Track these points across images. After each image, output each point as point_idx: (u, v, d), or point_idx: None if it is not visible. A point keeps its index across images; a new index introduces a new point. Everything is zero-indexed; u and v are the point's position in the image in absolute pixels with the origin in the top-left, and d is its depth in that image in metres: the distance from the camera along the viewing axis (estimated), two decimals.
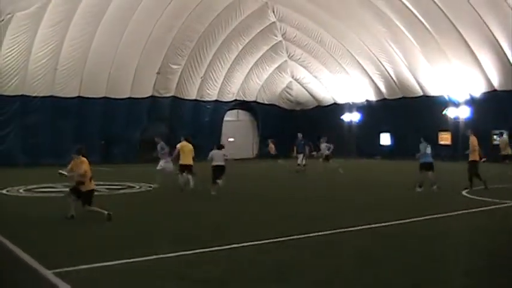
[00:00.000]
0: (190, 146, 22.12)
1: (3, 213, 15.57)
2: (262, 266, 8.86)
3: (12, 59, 39.68)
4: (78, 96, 43.86)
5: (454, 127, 42.52)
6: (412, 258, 9.28)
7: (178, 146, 22.09)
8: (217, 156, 21.16)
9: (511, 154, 29.21)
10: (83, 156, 14.80)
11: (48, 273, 8.29)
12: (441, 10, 35.54)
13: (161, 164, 23.21)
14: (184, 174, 21.78)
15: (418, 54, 40.58)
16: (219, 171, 20.73)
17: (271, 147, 35.78)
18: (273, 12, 46.48)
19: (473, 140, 21.04)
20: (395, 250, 10.06)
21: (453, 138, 42.46)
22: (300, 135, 31.57)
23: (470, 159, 20.83)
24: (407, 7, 36.75)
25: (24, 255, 9.58)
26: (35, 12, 37.71)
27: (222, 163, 21.02)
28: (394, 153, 44.02)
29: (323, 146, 32.27)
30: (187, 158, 21.77)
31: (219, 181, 20.51)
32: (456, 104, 42.30)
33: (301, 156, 31.37)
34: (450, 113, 42.64)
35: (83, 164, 14.44)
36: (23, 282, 8.19)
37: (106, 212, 13.81)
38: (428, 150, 20.77)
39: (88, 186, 14.33)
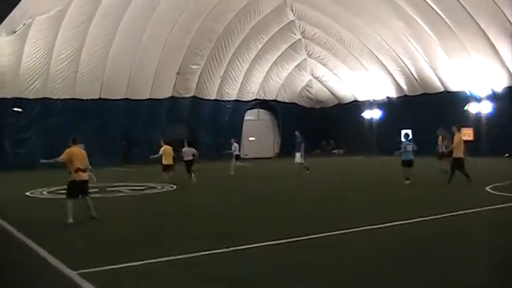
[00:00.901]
0: (170, 148, 25.10)
1: (27, 215, 15.69)
2: (285, 266, 8.84)
3: (33, 63, 40.08)
4: (99, 98, 44.18)
5: (476, 123, 42.19)
6: (425, 259, 9.19)
7: (161, 150, 25.17)
8: (186, 153, 25.85)
9: None
10: (74, 145, 14.66)
11: (73, 274, 8.34)
12: (459, 3, 35.22)
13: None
14: (165, 172, 24.84)
15: (438, 49, 40.23)
16: (187, 165, 25.46)
17: (236, 146, 35.32)
18: (292, 10, 46.37)
19: (457, 137, 20.95)
20: (412, 249, 9.97)
21: (475, 134, 42.11)
22: (297, 133, 30.67)
23: (454, 156, 20.64)
24: (425, 1, 36.46)
25: (49, 256, 9.65)
26: (56, 15, 38.00)
27: (190, 158, 25.65)
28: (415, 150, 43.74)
29: (234, 146, 32.17)
30: (168, 159, 24.81)
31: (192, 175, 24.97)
32: (478, 100, 41.95)
33: (298, 154, 30.07)
34: (472, 108, 42.29)
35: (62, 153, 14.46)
36: (47, 283, 8.23)
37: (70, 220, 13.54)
38: (409, 148, 22.34)
39: (70, 177, 14.27)
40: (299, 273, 8.31)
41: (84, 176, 14.33)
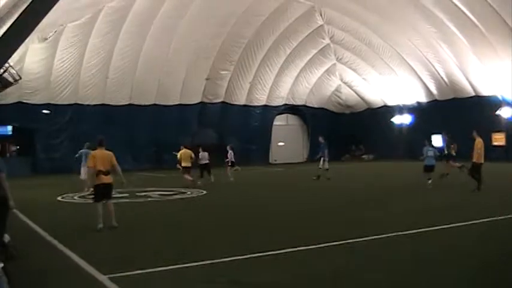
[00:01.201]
0: (189, 151, 26.94)
1: (58, 219, 15.87)
2: (315, 270, 8.81)
3: (64, 69, 40.78)
4: (129, 104, 44.60)
5: (508, 128, 41.68)
6: (469, 262, 9.10)
7: (179, 153, 27.25)
8: (202, 157, 28.08)
9: None
10: (99, 147, 14.39)
11: (104, 279, 8.42)
12: (491, 7, 34.79)
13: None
14: (185, 175, 26.56)
15: (469, 53, 39.74)
16: (202, 168, 27.72)
17: (231, 153, 35.21)
18: (320, 15, 46.25)
19: (478, 142, 20.81)
20: (454, 253, 9.86)
21: (507, 139, 41.62)
22: (321, 138, 30.54)
23: (474, 160, 20.53)
24: (456, 5, 36.03)
25: (80, 260, 9.76)
26: (86, 22, 38.54)
27: (206, 161, 28.01)
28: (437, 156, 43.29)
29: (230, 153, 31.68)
30: (186, 162, 26.68)
31: (187, 176, 26.47)
32: (510, 104, 41.44)
33: (321, 160, 29.90)
34: (504, 113, 41.79)
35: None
36: (78, 287, 8.32)
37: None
38: (431, 153, 23.16)
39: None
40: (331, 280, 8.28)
41: (106, 179, 13.89)
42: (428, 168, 22.85)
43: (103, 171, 13.82)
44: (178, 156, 27.16)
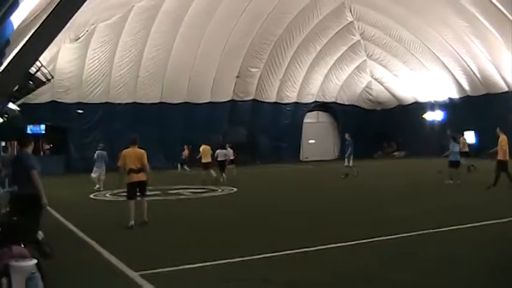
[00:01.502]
0: (208, 148, 28.30)
1: (90, 217, 16.04)
2: (347, 267, 8.78)
3: (96, 69, 41.22)
4: (160, 102, 44.88)
5: None
6: (499, 260, 8.99)
7: (201, 149, 28.65)
8: (220, 154, 29.17)
9: None
10: (132, 145, 14.63)
11: (135, 275, 8.49)
12: None
13: None
14: (205, 171, 27.89)
15: (502, 48, 39.19)
16: (220, 165, 28.83)
17: (186, 153, 35.42)
18: (350, 11, 46.04)
19: (502, 139, 20.60)
20: (483, 252, 9.75)
21: None
22: (347, 135, 30.31)
23: (499, 158, 20.25)
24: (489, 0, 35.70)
25: (111, 257, 9.86)
26: (116, 22, 38.89)
27: (223, 159, 29.15)
28: (479, 152, 42.80)
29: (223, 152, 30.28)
30: (207, 157, 28.00)
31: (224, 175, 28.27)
32: None
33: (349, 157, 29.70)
34: None
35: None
36: (109, 283, 8.40)
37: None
38: (456, 149, 23.21)
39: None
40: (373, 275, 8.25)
41: (137, 177, 14.04)
42: (454, 164, 22.94)
43: (134, 170, 13.98)
44: (200, 152, 28.54)
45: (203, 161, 28.04)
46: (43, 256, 7.51)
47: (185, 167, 38.28)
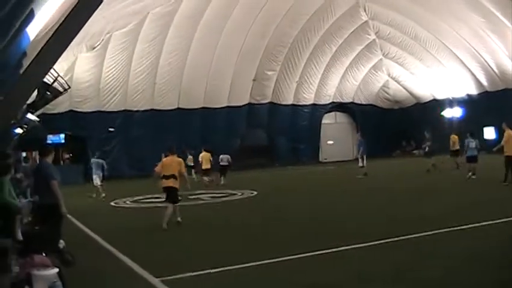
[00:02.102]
0: (208, 154, 28.98)
1: (111, 224, 16.13)
2: (373, 267, 8.75)
3: (113, 77, 41.47)
4: (178, 108, 45.03)
5: None
6: None
7: (200, 156, 29.64)
8: (223, 159, 30.20)
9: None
10: (170, 154, 15.70)
11: (157, 282, 8.53)
12: None
13: None
14: (205, 176, 28.84)
15: None
16: (222, 169, 30.05)
17: (190, 158, 35.26)
18: (365, 11, 45.93)
19: (507, 134, 20.56)
20: (506, 249, 9.68)
21: None
22: (358, 135, 30.22)
23: (506, 153, 20.15)
24: None
25: (132, 263, 9.92)
26: (132, 29, 39.08)
27: (226, 163, 30.13)
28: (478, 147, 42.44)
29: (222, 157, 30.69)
30: (206, 164, 28.90)
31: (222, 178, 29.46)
32: None
33: (360, 158, 29.52)
34: None
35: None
36: None
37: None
38: (472, 145, 24.01)
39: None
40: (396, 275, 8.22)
41: (166, 182, 14.87)
42: (471, 159, 23.68)
43: (165, 176, 14.98)
44: (200, 158, 29.66)
45: (203, 167, 29.13)
46: (64, 264, 7.59)
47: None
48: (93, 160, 27.87)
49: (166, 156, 15.91)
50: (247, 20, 42.28)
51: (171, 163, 15.15)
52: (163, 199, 15.46)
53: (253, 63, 46.80)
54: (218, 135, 45.74)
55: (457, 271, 8.16)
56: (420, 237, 10.92)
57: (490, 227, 11.60)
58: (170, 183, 14.89)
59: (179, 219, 14.89)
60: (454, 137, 31.57)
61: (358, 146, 31.32)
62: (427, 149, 32.22)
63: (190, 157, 34.98)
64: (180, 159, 15.67)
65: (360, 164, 29.43)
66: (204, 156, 29.23)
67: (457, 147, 30.77)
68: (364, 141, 30.91)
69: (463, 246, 9.93)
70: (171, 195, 14.96)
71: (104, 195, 25.66)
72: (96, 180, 26.55)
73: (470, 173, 23.12)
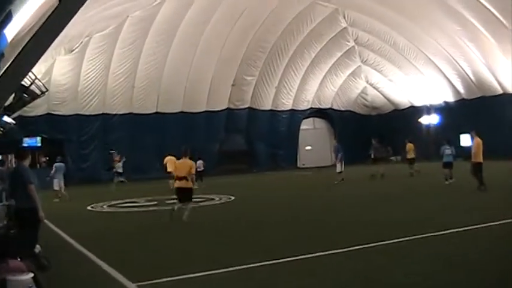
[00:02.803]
0: (174, 159, 25.87)
1: (88, 229, 15.99)
2: (347, 273, 8.75)
3: (91, 80, 41.30)
4: (156, 112, 44.88)
5: None
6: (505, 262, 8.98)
7: (165, 159, 29.59)
8: (198, 165, 29.16)
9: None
10: (184, 156, 16.99)
11: (133, 286, 8.48)
12: None
13: None
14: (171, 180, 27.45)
15: (496, 51, 39.30)
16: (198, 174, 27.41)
17: (116, 160, 35.80)
18: (344, 17, 46.18)
19: (475, 141, 21.07)
20: (485, 253, 9.73)
21: None
22: (335, 141, 30.25)
23: (473, 160, 20.68)
24: (481, 3, 35.72)
25: (109, 269, 9.83)
26: (111, 32, 38.94)
27: (202, 169, 30.58)
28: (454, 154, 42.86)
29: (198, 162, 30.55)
30: (171, 167, 26.70)
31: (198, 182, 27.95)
32: None
33: (338, 165, 29.50)
34: None
35: None
36: None
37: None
38: (448, 151, 24.69)
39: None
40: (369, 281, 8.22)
41: (179, 183, 16.41)
42: (447, 165, 24.38)
43: (178, 177, 16.53)
44: (167, 164, 29.09)
45: (168, 170, 28.12)
46: (40, 269, 7.50)
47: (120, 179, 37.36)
48: (56, 165, 27.68)
49: (178, 157, 17.90)
50: (226, 25, 42.31)
51: (184, 165, 16.43)
52: (175, 200, 16.97)
53: (233, 68, 46.84)
54: (197, 140, 45.62)
55: (433, 276, 8.18)
56: (396, 242, 10.96)
57: (466, 233, 11.67)
58: (183, 184, 16.22)
59: (185, 217, 16.01)
60: (409, 146, 32.57)
61: (335, 151, 31.56)
62: (372, 155, 33.78)
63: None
64: (192, 161, 16.85)
65: (338, 170, 29.49)
66: (169, 161, 28.76)
67: (412, 155, 31.91)
68: (341, 147, 31.09)
69: (439, 251, 9.98)
70: (185, 195, 16.34)
71: (57, 200, 26.32)
72: (59, 184, 27.06)
73: (449, 179, 23.86)
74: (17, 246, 7.30)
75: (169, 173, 27.35)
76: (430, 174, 29.64)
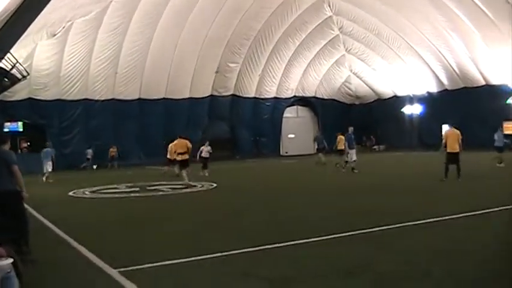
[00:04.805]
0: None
1: (69, 215, 15.89)
2: (328, 262, 8.73)
3: (74, 65, 40.89)
4: (139, 99, 44.67)
5: None
6: (484, 252, 9.00)
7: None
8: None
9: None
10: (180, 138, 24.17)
11: (114, 272, 8.40)
12: None
13: None
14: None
15: (479, 42, 39.54)
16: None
17: (113, 151, 37.35)
18: (329, 6, 46.17)
19: (445, 133, 22.16)
20: (466, 243, 9.77)
21: None
22: (351, 129, 29.41)
23: (447, 150, 21.05)
24: None
25: (90, 255, 9.76)
26: (94, 18, 38.56)
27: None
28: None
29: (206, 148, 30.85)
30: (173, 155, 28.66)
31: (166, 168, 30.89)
32: None
33: (353, 151, 27.94)
34: None
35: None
36: (89, 281, 8.31)
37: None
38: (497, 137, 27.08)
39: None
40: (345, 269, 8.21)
41: (180, 157, 23.60)
42: (498, 149, 27.06)
43: (180, 153, 23.52)
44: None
45: (169, 156, 29.83)
46: (20, 255, 7.41)
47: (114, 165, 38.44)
48: (45, 150, 30.44)
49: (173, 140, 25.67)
50: (211, 11, 42.13)
51: (182, 144, 23.43)
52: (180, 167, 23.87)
53: (216, 55, 46.67)
54: (180, 127, 45.53)
55: (415, 265, 8.20)
56: (378, 231, 10.97)
57: (450, 221, 11.73)
58: (183, 157, 23.32)
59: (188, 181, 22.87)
60: (340, 138, 32.35)
61: (317, 142, 32.09)
62: (317, 146, 36.60)
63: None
64: (187, 140, 23.49)
65: (353, 158, 28.31)
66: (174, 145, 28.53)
67: (342, 147, 31.26)
68: (323, 138, 31.42)
69: (422, 240, 10.01)
70: (186, 163, 23.33)
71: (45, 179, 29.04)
72: (46, 167, 29.83)
73: (501, 162, 25.97)
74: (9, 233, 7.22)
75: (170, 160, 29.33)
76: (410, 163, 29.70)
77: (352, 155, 27.86)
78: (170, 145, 29.49)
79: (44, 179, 29.13)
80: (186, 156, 23.19)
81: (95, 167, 38.33)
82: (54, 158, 30.89)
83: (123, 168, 37.66)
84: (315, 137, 37.54)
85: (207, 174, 28.50)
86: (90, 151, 35.53)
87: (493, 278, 7.49)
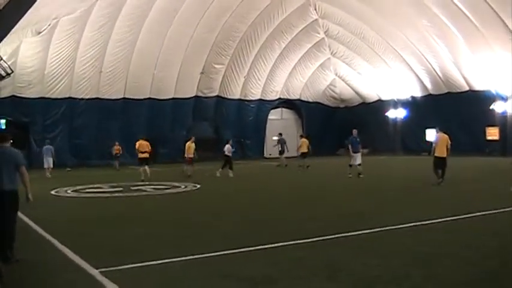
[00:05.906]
0: (145, 143, 28.69)
1: (51, 214, 15.84)
2: (309, 264, 8.79)
3: (58, 63, 40.63)
4: (123, 98, 44.49)
5: (502, 122, 41.82)
6: (464, 255, 9.10)
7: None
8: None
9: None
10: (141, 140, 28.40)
11: (96, 273, 8.41)
12: (485, 1, 34.88)
13: None
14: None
15: (464, 48, 39.79)
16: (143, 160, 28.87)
17: (117, 148, 37.83)
18: (315, 9, 46.26)
19: (438, 137, 21.86)
20: (446, 247, 9.86)
21: (501, 134, 41.78)
22: (355, 131, 28.41)
23: (435, 154, 21.29)
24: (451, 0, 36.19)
25: (72, 255, 9.76)
26: (80, 16, 38.37)
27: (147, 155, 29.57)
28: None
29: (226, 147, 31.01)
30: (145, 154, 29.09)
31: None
32: (504, 99, 41.52)
33: (358, 155, 26.94)
34: (498, 107, 41.86)
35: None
36: (70, 282, 8.30)
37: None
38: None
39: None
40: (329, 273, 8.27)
41: (143, 155, 28.07)
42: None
43: (141, 151, 27.91)
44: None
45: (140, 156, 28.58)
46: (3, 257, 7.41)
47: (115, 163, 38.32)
48: (45, 147, 33.56)
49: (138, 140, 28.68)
50: (197, 12, 42.07)
51: (144, 144, 28.06)
52: (139, 166, 28.20)
53: (202, 56, 46.57)
54: (164, 127, 45.57)
55: (394, 269, 8.28)
56: (358, 235, 11.06)
57: (431, 225, 11.84)
58: (146, 155, 28.04)
59: (143, 178, 26.61)
60: (304, 141, 34.68)
61: (280, 143, 38.75)
62: (279, 148, 39.98)
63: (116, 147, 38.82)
64: (147, 142, 28.23)
65: (358, 162, 26.67)
66: (140, 145, 28.51)
67: (305, 150, 33.73)
68: (284, 140, 38.29)
69: (402, 244, 10.11)
70: (146, 161, 27.95)
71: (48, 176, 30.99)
72: (48, 163, 32.71)
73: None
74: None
75: (187, 158, 30.61)
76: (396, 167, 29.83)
77: (356, 158, 26.82)
78: (187, 143, 30.91)
79: (48, 174, 31.68)
80: (147, 155, 28.04)
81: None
82: (54, 154, 33.39)
83: (108, 168, 37.58)
84: (278, 139, 40.23)
85: (231, 175, 29.22)
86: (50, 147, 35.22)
87: (472, 282, 7.59)
